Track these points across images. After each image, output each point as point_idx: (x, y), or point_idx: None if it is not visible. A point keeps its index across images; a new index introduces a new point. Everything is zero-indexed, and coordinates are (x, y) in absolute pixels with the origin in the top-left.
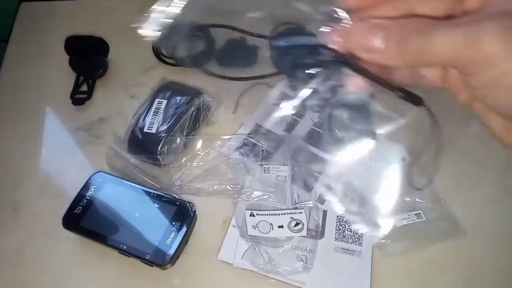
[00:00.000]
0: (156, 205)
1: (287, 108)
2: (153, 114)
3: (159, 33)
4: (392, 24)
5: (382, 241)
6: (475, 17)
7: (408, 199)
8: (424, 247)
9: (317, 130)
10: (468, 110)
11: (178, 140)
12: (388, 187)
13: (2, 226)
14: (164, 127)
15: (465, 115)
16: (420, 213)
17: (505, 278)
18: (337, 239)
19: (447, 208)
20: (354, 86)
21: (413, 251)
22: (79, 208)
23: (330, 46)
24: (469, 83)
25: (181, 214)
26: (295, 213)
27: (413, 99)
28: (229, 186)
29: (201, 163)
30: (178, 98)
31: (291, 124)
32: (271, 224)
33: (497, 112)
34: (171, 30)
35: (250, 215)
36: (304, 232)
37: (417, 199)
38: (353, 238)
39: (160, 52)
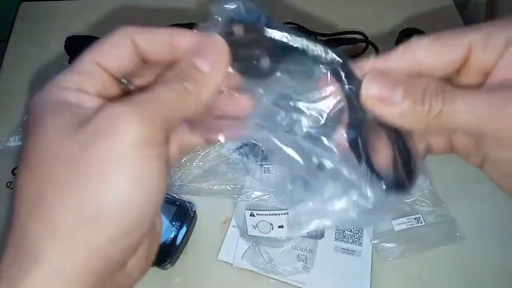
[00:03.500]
0: None
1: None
2: None
3: None
4: (409, 81)
5: (382, 244)
6: (500, 84)
7: (408, 200)
8: (424, 251)
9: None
10: None
11: None
12: None
13: (3, 226)
14: None
15: None
16: (419, 217)
17: (505, 282)
18: (337, 239)
19: (447, 212)
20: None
21: (411, 254)
22: None
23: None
24: (491, 156)
25: (181, 214)
26: None
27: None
28: (229, 186)
29: (201, 163)
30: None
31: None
32: (271, 224)
33: None
34: None
35: (250, 215)
36: (304, 232)
37: (417, 202)
38: (353, 238)
39: None
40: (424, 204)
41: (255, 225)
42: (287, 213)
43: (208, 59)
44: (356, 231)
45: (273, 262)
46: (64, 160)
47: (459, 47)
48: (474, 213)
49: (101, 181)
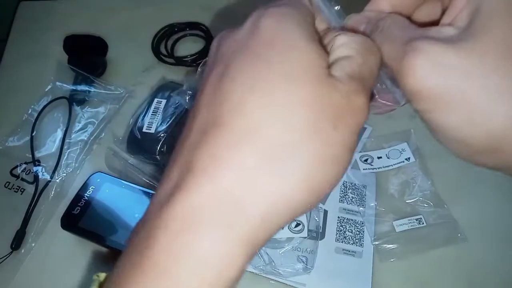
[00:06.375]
0: None
1: None
2: (152, 114)
3: None
4: (389, 20)
5: (383, 245)
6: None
7: (410, 201)
8: (425, 252)
9: None
10: None
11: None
12: None
13: (2, 227)
14: (163, 126)
15: None
16: (421, 218)
17: (507, 283)
18: (337, 240)
19: (448, 213)
20: None
21: (413, 256)
22: (78, 209)
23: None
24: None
25: None
26: None
27: None
28: None
29: None
30: (178, 97)
31: None
32: None
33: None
34: None
35: None
36: (304, 233)
37: (418, 203)
38: (354, 239)
39: (159, 51)
40: (425, 205)
41: None
42: None
43: None
44: (357, 232)
45: (273, 263)
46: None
47: None
48: (475, 214)
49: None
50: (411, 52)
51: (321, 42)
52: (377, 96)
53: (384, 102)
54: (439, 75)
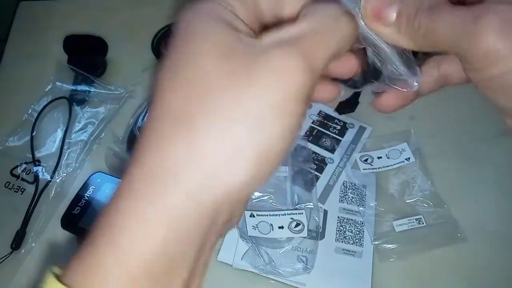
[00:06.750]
0: None
1: None
2: None
3: None
4: None
5: (383, 245)
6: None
7: (410, 201)
8: (425, 252)
9: (316, 127)
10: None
11: None
12: None
13: (2, 227)
14: None
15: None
16: (421, 218)
17: (507, 283)
18: (337, 240)
19: (448, 213)
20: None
21: (413, 256)
22: (78, 209)
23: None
24: (470, 78)
25: None
26: (296, 213)
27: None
28: None
29: None
30: None
31: None
32: (271, 225)
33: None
34: None
35: (250, 216)
36: (304, 233)
37: (418, 203)
38: (354, 239)
39: (159, 51)
40: (425, 205)
41: (255, 226)
42: (288, 214)
43: None
44: (357, 232)
45: (273, 263)
46: (217, 88)
47: None
48: (475, 214)
49: (254, 125)
50: (484, 14)
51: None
52: (390, 85)
53: (397, 88)
54: None
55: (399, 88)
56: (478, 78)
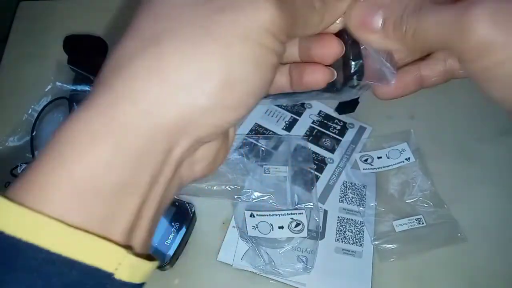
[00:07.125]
0: None
1: (285, 106)
2: None
3: None
4: (392, 2)
5: (383, 245)
6: None
7: (409, 201)
8: (425, 252)
9: (316, 127)
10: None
11: None
12: None
13: None
14: None
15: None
16: (421, 218)
17: (507, 283)
18: (337, 240)
19: (448, 213)
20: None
21: (413, 256)
22: None
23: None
24: (466, 71)
25: (181, 214)
26: (296, 213)
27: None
28: (228, 187)
29: None
30: None
31: (290, 123)
32: (271, 225)
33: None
34: None
35: (250, 216)
36: (304, 233)
37: (418, 203)
38: (354, 239)
39: None
40: (425, 205)
41: (255, 226)
42: (288, 214)
43: None
44: (357, 232)
45: (273, 263)
46: (188, 13)
47: None
48: (475, 214)
49: (220, 52)
50: (472, 6)
51: None
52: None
53: (371, 83)
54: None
55: (375, 83)
56: (473, 70)
